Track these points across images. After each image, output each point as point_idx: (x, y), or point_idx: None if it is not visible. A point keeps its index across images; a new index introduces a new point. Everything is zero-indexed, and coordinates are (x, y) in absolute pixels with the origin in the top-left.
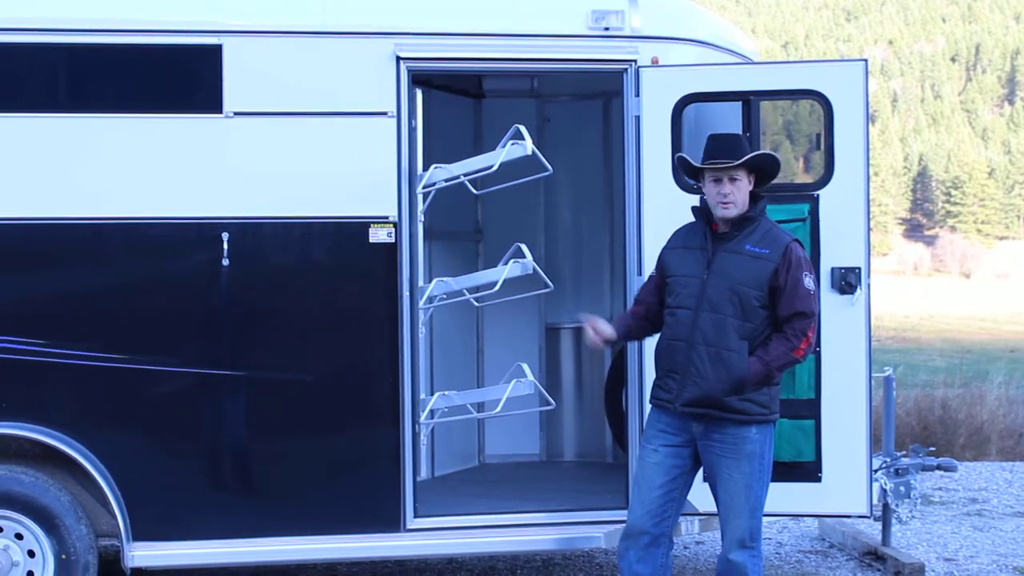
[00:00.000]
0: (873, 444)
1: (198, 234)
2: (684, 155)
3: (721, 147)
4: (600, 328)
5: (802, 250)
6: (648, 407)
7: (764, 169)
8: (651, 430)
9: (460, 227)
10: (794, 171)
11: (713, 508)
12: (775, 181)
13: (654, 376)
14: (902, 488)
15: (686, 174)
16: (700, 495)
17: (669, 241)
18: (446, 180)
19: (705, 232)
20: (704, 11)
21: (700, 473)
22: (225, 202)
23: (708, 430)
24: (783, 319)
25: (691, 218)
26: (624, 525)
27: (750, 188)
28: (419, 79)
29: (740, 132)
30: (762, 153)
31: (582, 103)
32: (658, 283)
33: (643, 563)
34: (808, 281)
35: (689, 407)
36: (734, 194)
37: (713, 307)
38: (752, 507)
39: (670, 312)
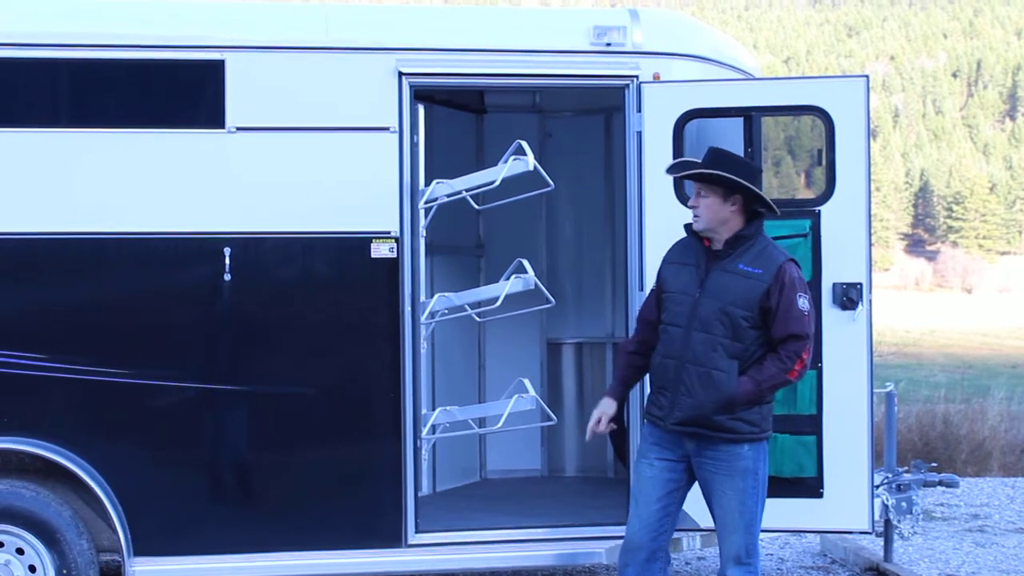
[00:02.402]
0: (875, 460)
1: (200, 249)
2: (676, 160)
3: (709, 160)
4: (605, 413)
5: (797, 270)
6: None
7: (746, 190)
8: (645, 444)
9: (462, 242)
10: (796, 187)
11: (714, 524)
12: (776, 197)
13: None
14: (904, 504)
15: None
16: (701, 511)
17: (667, 255)
18: (448, 195)
19: (700, 248)
20: (706, 27)
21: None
22: (227, 217)
23: (701, 447)
24: (777, 340)
25: None
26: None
27: (732, 208)
28: (421, 94)
29: (741, 148)
30: (713, 172)
31: (584, 118)
32: (658, 297)
33: None
34: (802, 302)
35: (679, 426)
36: (700, 208)
37: (704, 326)
38: (747, 523)
39: (663, 329)
